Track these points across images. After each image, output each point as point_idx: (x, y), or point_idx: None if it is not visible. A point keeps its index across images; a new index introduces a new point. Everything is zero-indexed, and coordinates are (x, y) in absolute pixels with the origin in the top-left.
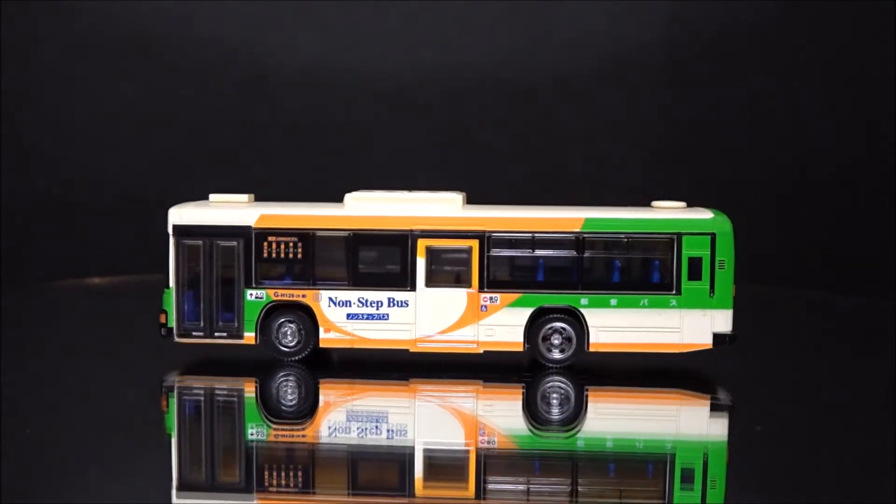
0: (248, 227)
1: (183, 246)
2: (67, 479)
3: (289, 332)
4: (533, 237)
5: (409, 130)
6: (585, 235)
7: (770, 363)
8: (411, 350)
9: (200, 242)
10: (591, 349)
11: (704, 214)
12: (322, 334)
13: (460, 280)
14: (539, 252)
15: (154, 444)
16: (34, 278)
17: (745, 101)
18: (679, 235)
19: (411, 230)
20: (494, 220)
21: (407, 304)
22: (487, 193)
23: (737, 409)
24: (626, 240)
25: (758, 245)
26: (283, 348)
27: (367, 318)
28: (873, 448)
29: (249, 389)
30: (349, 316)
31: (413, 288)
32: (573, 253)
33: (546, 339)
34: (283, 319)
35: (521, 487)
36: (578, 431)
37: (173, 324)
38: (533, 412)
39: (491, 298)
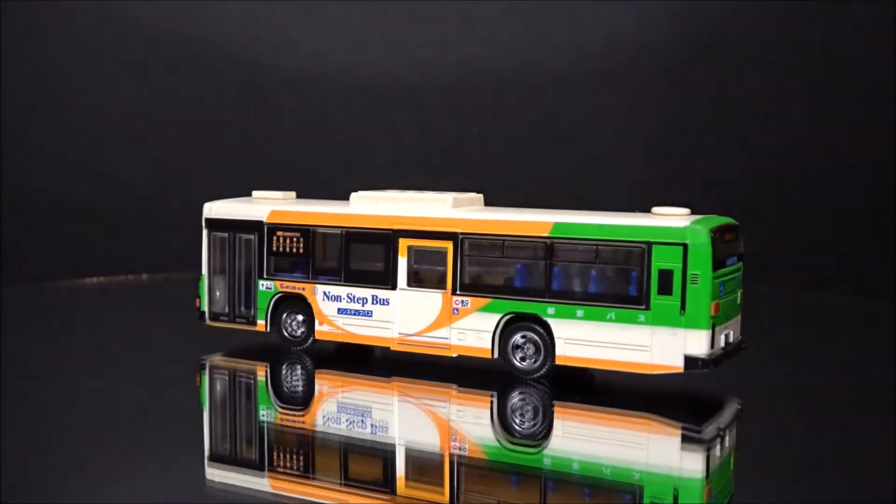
0: (261, 222)
1: (213, 238)
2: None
3: (293, 323)
4: (503, 241)
5: (409, 130)
6: (554, 241)
7: (770, 363)
8: (392, 348)
9: (226, 235)
10: (558, 362)
11: (679, 222)
12: (317, 326)
13: (437, 282)
14: (509, 256)
15: (187, 421)
16: (33, 278)
17: (745, 101)
18: (649, 245)
19: (394, 229)
20: (467, 221)
21: (388, 303)
22: (489, 194)
23: (718, 441)
24: (594, 247)
25: (758, 245)
26: (289, 337)
27: (354, 314)
28: (874, 449)
29: (261, 374)
30: (339, 310)
31: (394, 287)
32: (541, 259)
33: (518, 347)
34: (288, 310)
35: (488, 500)
36: (545, 448)
37: (205, 308)
38: (503, 423)
39: (462, 302)
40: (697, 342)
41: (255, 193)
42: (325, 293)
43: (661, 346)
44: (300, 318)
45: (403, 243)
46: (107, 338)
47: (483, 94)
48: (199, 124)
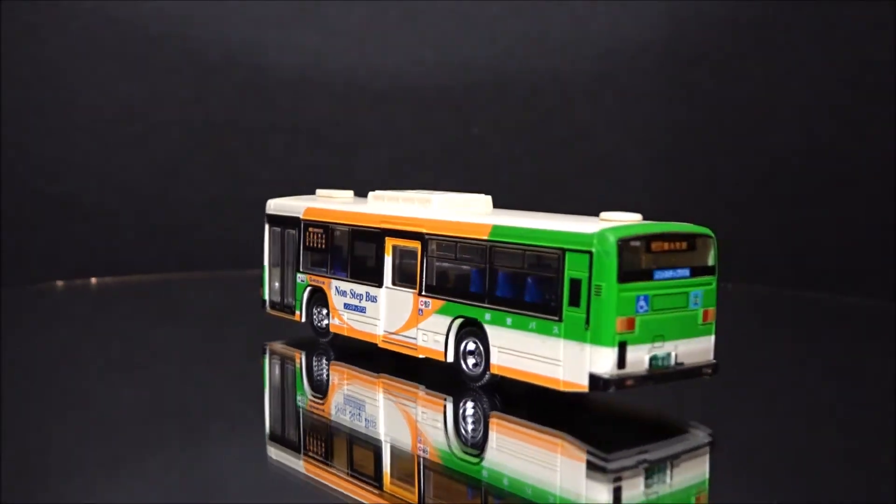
0: (299, 219)
1: (272, 232)
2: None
3: (319, 315)
4: (456, 243)
5: (409, 130)
6: (492, 244)
7: (769, 363)
8: (379, 345)
9: (279, 230)
10: (492, 370)
11: (591, 228)
12: (330, 319)
13: (412, 281)
14: (461, 259)
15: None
16: (34, 278)
17: (745, 101)
18: (563, 252)
19: (382, 228)
20: (430, 222)
21: (376, 300)
22: (492, 194)
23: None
24: (522, 252)
25: (758, 245)
26: (318, 328)
27: (354, 310)
28: (873, 451)
29: (298, 362)
30: (345, 305)
31: (380, 285)
32: (483, 262)
33: (471, 353)
34: (317, 303)
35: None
36: (482, 460)
37: (266, 297)
38: (454, 429)
39: (425, 303)
40: (601, 360)
41: (318, 192)
42: (336, 288)
43: (569, 361)
44: (324, 311)
45: (389, 242)
46: (127, 337)
47: (483, 95)
48: (200, 125)
